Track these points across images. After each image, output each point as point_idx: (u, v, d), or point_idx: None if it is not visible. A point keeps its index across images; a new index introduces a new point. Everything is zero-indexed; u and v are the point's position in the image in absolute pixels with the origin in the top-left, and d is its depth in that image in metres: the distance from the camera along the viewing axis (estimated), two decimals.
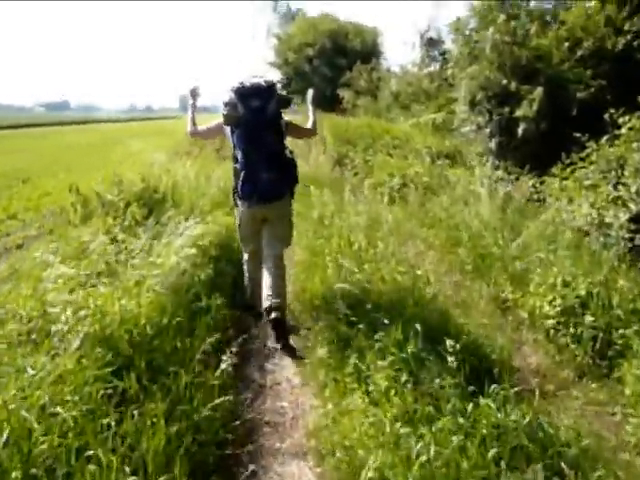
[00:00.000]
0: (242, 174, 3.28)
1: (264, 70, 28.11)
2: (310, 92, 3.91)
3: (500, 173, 7.00)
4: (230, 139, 3.37)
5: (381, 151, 8.76)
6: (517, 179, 6.89)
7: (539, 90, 7.20)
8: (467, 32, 12.07)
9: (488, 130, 8.18)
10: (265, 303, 3.25)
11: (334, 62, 24.88)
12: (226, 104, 3.24)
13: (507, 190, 6.38)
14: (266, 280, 3.34)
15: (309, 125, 3.73)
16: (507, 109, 7.72)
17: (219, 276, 3.60)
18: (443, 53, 12.58)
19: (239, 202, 3.44)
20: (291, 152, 3.51)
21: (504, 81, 7.92)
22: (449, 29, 12.44)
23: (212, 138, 4.53)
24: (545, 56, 7.81)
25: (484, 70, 8.19)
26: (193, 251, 3.35)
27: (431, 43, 12.42)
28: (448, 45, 12.93)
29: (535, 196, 6.49)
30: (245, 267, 3.70)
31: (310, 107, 3.78)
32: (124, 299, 2.53)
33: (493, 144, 8.17)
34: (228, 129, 3.33)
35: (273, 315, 3.19)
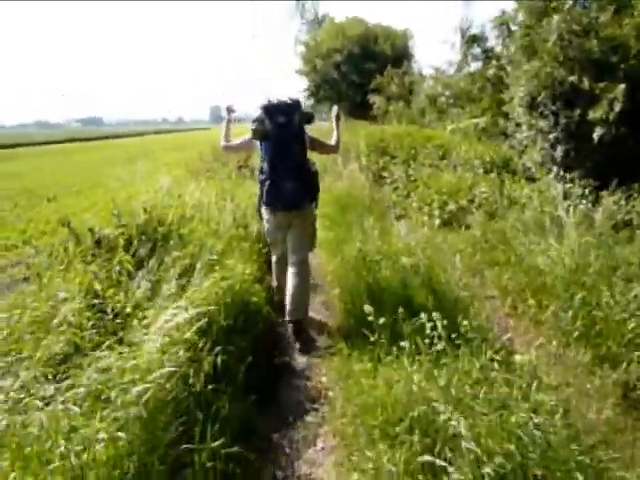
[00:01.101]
0: (267, 183, 3.49)
1: (289, 78, 27.45)
2: (335, 109, 4.10)
3: (576, 188, 5.72)
4: (259, 151, 3.60)
5: (424, 163, 7.59)
6: (596, 195, 5.61)
7: (621, 88, 5.92)
8: (516, 26, 10.86)
9: (552, 136, 6.91)
10: (287, 313, 3.53)
11: (363, 67, 23.82)
12: (255, 120, 3.48)
13: (587, 210, 5.13)
14: (289, 287, 3.56)
15: (332, 142, 3.90)
16: (578, 111, 6.45)
17: (230, 356, 2.53)
18: (486, 51, 11.26)
19: (264, 209, 3.67)
20: (313, 164, 3.67)
21: (570, 78, 6.65)
22: (493, 25, 11.23)
23: (243, 152, 4.82)
24: (621, 48, 6.51)
25: (546, 66, 6.94)
26: (188, 335, 2.30)
27: (474, 40, 11.13)
28: (491, 43, 11.66)
29: (620, 216, 5.24)
30: (273, 268, 3.91)
31: (334, 124, 3.98)
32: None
33: (559, 152, 6.89)
34: (257, 143, 3.57)
35: (293, 323, 3.56)
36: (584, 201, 5.27)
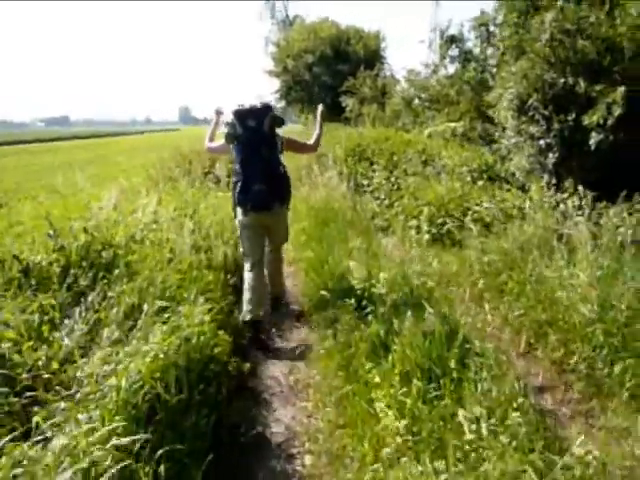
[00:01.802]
0: (239, 185, 3.52)
1: (261, 79, 26.69)
2: (320, 107, 4.17)
3: (572, 199, 5.19)
4: (231, 154, 3.68)
5: (406, 170, 6.98)
6: (593, 207, 5.10)
7: (620, 91, 5.43)
8: (497, 27, 10.42)
9: (543, 142, 6.41)
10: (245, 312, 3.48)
11: (335, 69, 23.23)
12: (227, 124, 3.60)
13: (590, 225, 4.60)
14: (254, 285, 3.52)
15: (312, 141, 3.96)
16: (572, 116, 5.95)
17: (179, 459, 1.79)
18: (465, 52, 10.78)
19: (238, 209, 3.64)
20: (284, 167, 3.69)
21: (562, 80, 6.16)
22: (472, 25, 10.76)
23: (224, 154, 4.58)
24: (616, 49, 6.05)
25: (534, 67, 6.43)
26: (120, 428, 1.56)
27: (453, 41, 10.62)
28: (469, 44, 11.20)
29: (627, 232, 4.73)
30: (245, 276, 3.62)
31: (318, 121, 4.05)
32: None
33: (550, 159, 6.39)
34: (231, 146, 3.61)
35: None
36: (581, 214, 4.74)
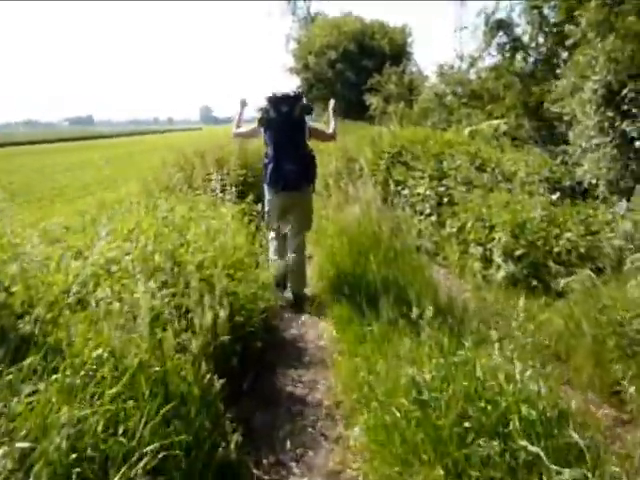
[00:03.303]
0: (270, 166, 3.77)
1: (282, 78, 25.40)
2: (332, 102, 4.51)
3: None
4: (263, 138, 3.88)
5: (457, 177, 5.51)
6: None
7: None
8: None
9: None
10: (289, 288, 3.97)
11: (359, 65, 21.71)
12: (260, 109, 3.81)
13: None
14: (289, 263, 3.67)
15: (330, 130, 4.20)
16: None
17: None
18: (515, 40, 9.19)
19: (267, 190, 3.92)
20: (311, 149, 3.92)
21: None
22: (523, 8, 9.19)
23: (251, 137, 4.56)
24: None
25: (627, 48, 4.92)
26: None
27: (500, 26, 9.06)
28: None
29: None
30: (270, 245, 4.01)
31: (332, 115, 4.31)
32: None
33: None
34: (262, 130, 3.83)
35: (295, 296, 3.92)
36: None
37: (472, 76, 12.15)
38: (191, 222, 3.50)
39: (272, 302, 3.18)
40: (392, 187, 6.48)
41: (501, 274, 3.67)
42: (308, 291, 4.06)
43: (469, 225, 4.26)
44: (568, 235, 3.72)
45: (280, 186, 3.76)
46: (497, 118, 11.75)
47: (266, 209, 4.00)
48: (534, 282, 3.49)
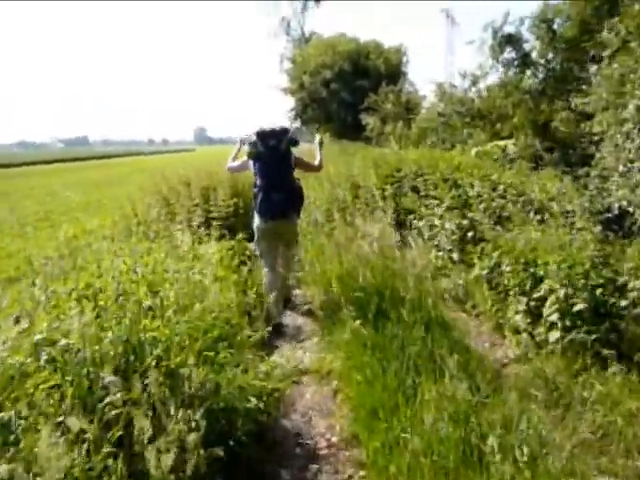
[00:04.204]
0: (260, 195, 3.97)
1: (276, 98, 25.01)
2: (317, 137, 4.57)
3: None
4: (252, 170, 4.08)
5: (480, 209, 4.75)
6: None
7: None
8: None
9: None
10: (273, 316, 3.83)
11: (354, 85, 21.21)
12: (249, 143, 4.02)
13: None
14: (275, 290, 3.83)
15: (316, 162, 4.39)
16: None
17: None
18: (526, 55, 8.57)
19: (257, 218, 4.08)
20: (298, 180, 4.16)
21: None
22: (532, 22, 8.60)
23: (242, 171, 4.70)
24: None
25: None
26: None
27: (509, 41, 8.44)
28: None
29: None
30: (265, 279, 4.09)
31: (317, 149, 4.45)
32: None
33: None
34: (251, 162, 4.07)
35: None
36: None
37: (473, 94, 11.58)
38: (165, 274, 2.70)
39: (270, 387, 2.34)
40: (402, 216, 5.74)
41: (555, 335, 2.88)
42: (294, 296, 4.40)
43: (506, 268, 3.48)
44: (638, 284, 2.94)
45: (269, 215, 3.98)
46: (502, 138, 11.16)
47: (255, 236, 4.19)
48: (605, 350, 2.71)
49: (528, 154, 9.23)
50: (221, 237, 4.43)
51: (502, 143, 10.18)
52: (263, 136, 3.93)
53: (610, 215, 4.78)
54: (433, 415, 1.98)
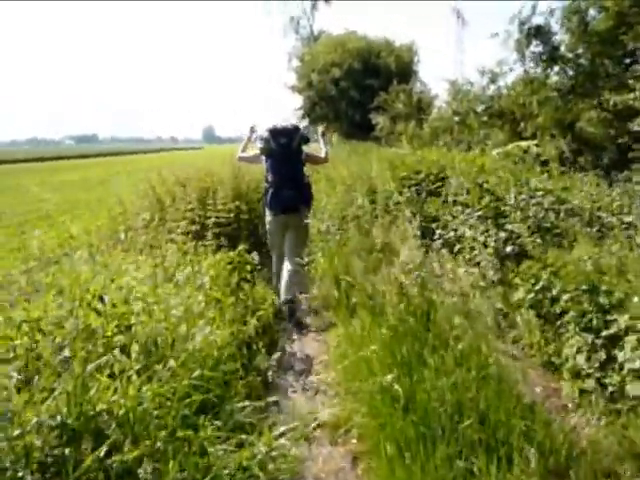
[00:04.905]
0: (271, 190, 4.07)
1: (284, 97, 24.43)
2: (320, 128, 5.08)
3: None
4: (264, 165, 4.18)
5: (518, 219, 4.10)
6: None
7: None
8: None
9: None
10: (282, 294, 3.96)
11: (364, 83, 20.53)
12: (262, 139, 4.08)
13: None
14: (284, 276, 3.99)
15: (322, 154, 4.53)
16: None
17: None
18: (555, 48, 7.86)
19: (268, 212, 4.17)
20: (308, 176, 4.32)
21: None
22: (563, 15, 7.90)
23: (253, 163, 4.72)
24: None
25: None
26: None
27: (537, 33, 7.74)
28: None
29: None
30: (273, 263, 4.31)
31: (321, 140, 4.71)
32: None
33: None
34: (263, 157, 4.15)
35: (287, 303, 3.93)
36: None
37: (492, 92, 10.87)
38: (138, 304, 2.08)
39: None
40: (423, 223, 5.09)
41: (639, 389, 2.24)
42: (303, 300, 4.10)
43: (562, 295, 2.82)
44: None
45: (280, 209, 4.06)
46: (523, 139, 10.45)
47: (267, 230, 4.29)
48: None
49: (554, 156, 8.54)
50: (219, 248, 3.79)
51: (524, 144, 9.47)
52: (275, 133, 4.02)
53: None
54: None
